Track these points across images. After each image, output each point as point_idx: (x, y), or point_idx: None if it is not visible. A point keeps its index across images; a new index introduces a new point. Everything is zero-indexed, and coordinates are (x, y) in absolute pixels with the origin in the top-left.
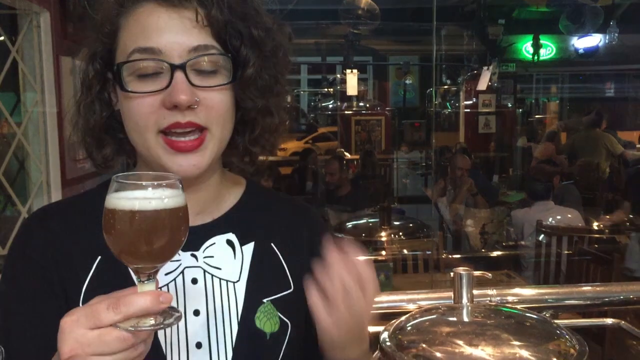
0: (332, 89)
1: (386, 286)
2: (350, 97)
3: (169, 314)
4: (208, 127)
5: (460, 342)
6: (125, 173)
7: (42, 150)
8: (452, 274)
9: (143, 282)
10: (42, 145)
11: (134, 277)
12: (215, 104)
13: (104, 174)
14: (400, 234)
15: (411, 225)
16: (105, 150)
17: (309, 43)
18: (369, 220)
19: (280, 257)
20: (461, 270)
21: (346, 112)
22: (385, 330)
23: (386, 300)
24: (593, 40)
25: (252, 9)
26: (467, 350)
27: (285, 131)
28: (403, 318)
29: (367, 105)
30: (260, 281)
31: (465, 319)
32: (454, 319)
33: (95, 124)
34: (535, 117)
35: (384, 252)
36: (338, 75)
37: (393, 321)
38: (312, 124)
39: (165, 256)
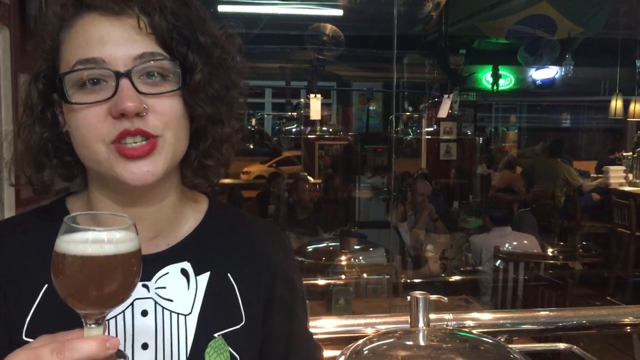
0: (295, 113)
1: (346, 310)
2: (314, 121)
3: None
4: (160, 135)
5: None
6: (77, 213)
7: None
8: (408, 297)
9: (90, 326)
10: None
11: (82, 321)
12: (165, 110)
13: (41, 199)
14: (360, 258)
15: (371, 249)
16: (43, 174)
17: (274, 67)
18: (329, 244)
19: (235, 287)
20: (418, 294)
21: (310, 136)
22: (342, 354)
23: (343, 324)
24: (550, 72)
25: (197, 16)
26: None
27: (239, 142)
28: (360, 342)
29: (331, 130)
30: (213, 314)
31: (422, 342)
32: (411, 342)
33: (34, 146)
34: (495, 146)
35: (343, 276)
36: (302, 100)
37: (350, 345)
38: (276, 148)
39: (115, 302)
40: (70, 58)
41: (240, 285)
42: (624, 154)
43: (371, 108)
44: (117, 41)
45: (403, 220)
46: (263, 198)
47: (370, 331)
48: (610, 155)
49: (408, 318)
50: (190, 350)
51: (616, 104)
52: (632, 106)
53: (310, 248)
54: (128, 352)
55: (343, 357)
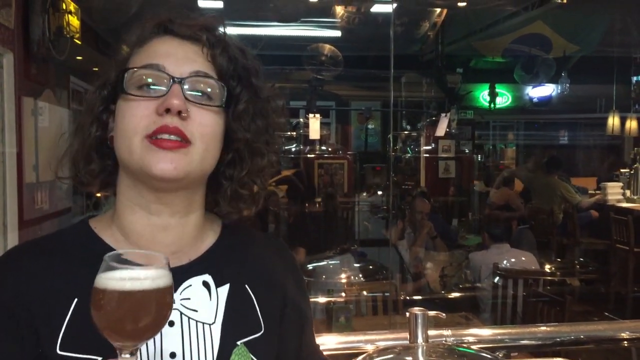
0: (295, 133)
1: (346, 328)
2: (313, 140)
3: None
4: (192, 142)
5: None
6: (115, 252)
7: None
8: (407, 314)
9: (125, 357)
10: (0, 186)
11: (117, 352)
12: (203, 121)
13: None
14: (360, 276)
15: (371, 267)
16: (91, 166)
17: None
18: (330, 262)
19: (254, 298)
20: (416, 310)
21: (309, 155)
22: None
23: (344, 341)
24: (546, 90)
25: (255, 68)
26: None
27: (271, 174)
28: (360, 358)
29: (330, 149)
30: (235, 323)
31: (421, 358)
32: (410, 358)
33: (89, 143)
34: (493, 163)
35: (343, 294)
36: (301, 119)
37: None
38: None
39: (149, 335)
40: (136, 63)
41: (257, 296)
42: (622, 170)
43: (370, 127)
44: (179, 57)
45: (401, 237)
46: (261, 216)
47: (370, 347)
48: (607, 172)
49: (407, 334)
50: (217, 358)
51: (613, 121)
52: (628, 123)
53: (310, 266)
54: None
55: None
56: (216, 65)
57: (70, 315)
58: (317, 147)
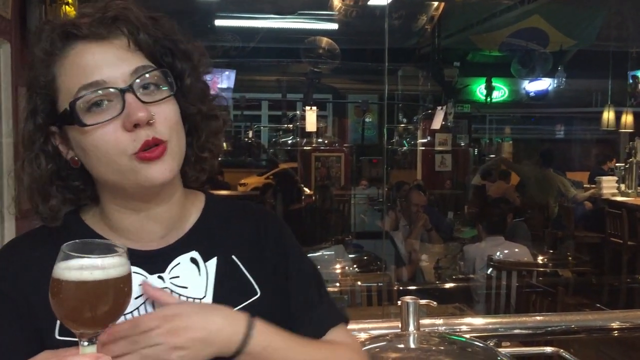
0: (292, 125)
1: None
2: (310, 133)
3: None
4: (168, 139)
5: None
6: (73, 242)
7: None
8: (399, 302)
9: (84, 344)
10: None
11: (78, 340)
12: (168, 115)
13: (50, 225)
14: (355, 266)
15: (365, 258)
16: (51, 202)
17: (270, 80)
18: (324, 253)
19: (242, 267)
20: (408, 298)
21: (306, 148)
22: None
23: None
24: (543, 84)
25: (170, 28)
26: None
27: (224, 130)
28: None
29: (326, 141)
30: (226, 294)
31: (412, 345)
32: (402, 345)
33: (41, 178)
34: (489, 157)
35: (338, 284)
36: (298, 112)
37: None
38: (272, 160)
39: (107, 322)
40: (72, 87)
41: (245, 263)
42: (617, 164)
43: (367, 120)
44: (111, 62)
45: (396, 228)
46: None
47: (363, 336)
48: (602, 166)
49: (399, 323)
50: None
51: (608, 115)
52: (623, 117)
53: None
54: None
55: None
56: (145, 52)
57: None
58: (314, 139)
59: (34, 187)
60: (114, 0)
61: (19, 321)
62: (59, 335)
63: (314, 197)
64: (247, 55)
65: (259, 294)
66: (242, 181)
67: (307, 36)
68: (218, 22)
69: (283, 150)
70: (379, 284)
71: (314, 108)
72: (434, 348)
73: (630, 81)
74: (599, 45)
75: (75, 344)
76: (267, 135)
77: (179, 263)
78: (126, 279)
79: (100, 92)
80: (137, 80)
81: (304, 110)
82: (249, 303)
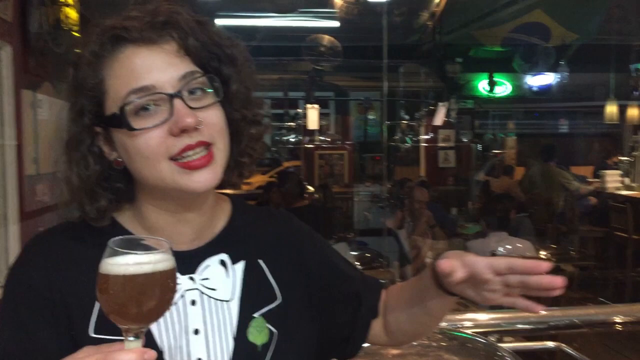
0: (294, 123)
1: None
2: (312, 131)
3: None
4: (214, 143)
5: None
6: (119, 237)
7: (0, 182)
8: None
9: (130, 339)
10: (0, 178)
11: (123, 335)
12: (214, 120)
13: (96, 225)
14: (357, 264)
15: (368, 255)
16: (99, 203)
17: (272, 78)
18: None
19: (267, 272)
20: None
21: (308, 145)
22: None
23: None
24: (546, 79)
25: (216, 32)
26: None
27: (266, 137)
28: None
29: (329, 139)
30: (251, 298)
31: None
32: None
33: (89, 178)
34: (493, 152)
35: None
36: (300, 110)
37: None
38: (276, 159)
39: (153, 318)
40: (121, 90)
41: (270, 268)
42: (620, 158)
43: (370, 117)
44: (160, 67)
45: (401, 226)
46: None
47: None
48: (606, 160)
49: None
50: (236, 332)
51: (612, 109)
52: (627, 111)
53: None
54: (183, 338)
55: None
56: (193, 57)
57: None
58: (317, 137)
59: (82, 187)
60: (164, 4)
61: (52, 319)
62: (94, 333)
63: (317, 195)
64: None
65: (279, 300)
66: (246, 180)
67: (308, 34)
68: (218, 22)
69: (286, 149)
70: (382, 281)
71: (316, 106)
72: (434, 344)
73: (634, 74)
74: (601, 39)
75: (110, 342)
76: (271, 133)
77: (209, 265)
78: (172, 274)
79: (150, 96)
80: (185, 86)
81: (306, 108)
82: (268, 310)
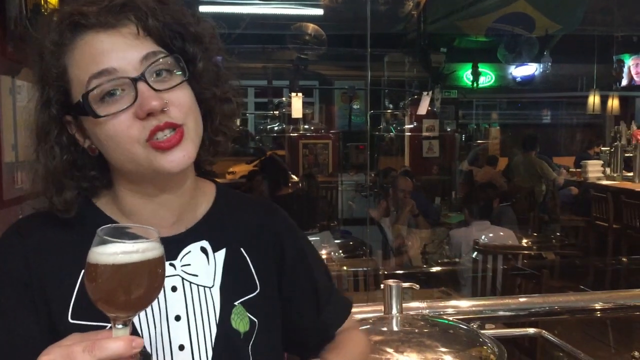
0: (278, 112)
1: None
2: (297, 120)
3: (138, 358)
4: (184, 124)
5: (389, 350)
6: (108, 226)
7: None
8: (382, 285)
9: (118, 327)
10: None
11: (111, 323)
12: (182, 101)
13: (63, 216)
14: (340, 252)
15: (351, 243)
16: (65, 195)
17: (256, 67)
18: (310, 239)
19: (249, 260)
20: (391, 282)
21: (293, 134)
22: None
23: None
24: (529, 69)
25: (179, 11)
26: (395, 356)
27: (239, 114)
28: None
29: (313, 128)
30: (232, 285)
31: (395, 328)
32: (384, 328)
33: (56, 169)
34: (476, 142)
35: None
36: (284, 99)
37: None
38: (260, 148)
39: (141, 306)
40: (82, 77)
41: (252, 257)
42: (602, 148)
43: (355, 106)
44: (120, 49)
45: (386, 215)
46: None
47: None
48: (588, 150)
49: (382, 307)
50: (219, 318)
51: (594, 99)
52: (609, 101)
53: None
54: (164, 325)
55: None
56: (155, 37)
57: (79, 286)
58: (301, 126)
59: (48, 178)
60: None
61: (31, 305)
62: (72, 318)
63: (301, 184)
64: (233, 42)
65: (258, 290)
66: (231, 169)
67: (292, 22)
68: (202, 9)
69: (270, 138)
70: (365, 269)
71: (300, 94)
72: (416, 330)
73: (615, 65)
74: (584, 29)
75: (89, 328)
76: (254, 122)
77: (190, 251)
78: (160, 262)
79: (112, 81)
80: (149, 68)
81: (290, 97)
82: (248, 298)
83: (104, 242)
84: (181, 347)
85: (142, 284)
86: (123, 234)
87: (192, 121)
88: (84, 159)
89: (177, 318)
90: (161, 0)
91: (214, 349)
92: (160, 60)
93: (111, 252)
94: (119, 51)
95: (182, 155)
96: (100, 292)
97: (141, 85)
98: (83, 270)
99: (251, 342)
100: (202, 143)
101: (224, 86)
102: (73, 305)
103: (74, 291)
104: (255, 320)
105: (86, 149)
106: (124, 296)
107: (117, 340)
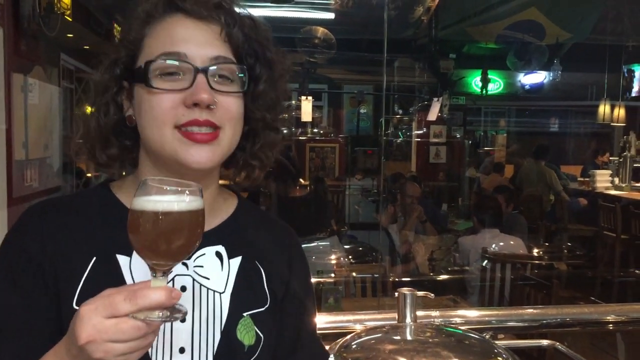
0: (287, 115)
1: (335, 309)
2: (305, 123)
3: (176, 309)
4: (222, 127)
5: (403, 359)
6: (152, 177)
7: None
8: (396, 294)
9: (157, 277)
10: None
11: (150, 272)
12: (230, 107)
13: (103, 173)
14: (350, 257)
15: (360, 249)
16: (110, 150)
17: None
18: (320, 244)
19: (263, 274)
20: (405, 290)
21: (301, 138)
22: (331, 348)
23: (333, 320)
24: (538, 77)
25: (267, 37)
26: None
27: (280, 146)
28: (348, 337)
29: (322, 132)
30: (243, 295)
31: (409, 337)
32: (398, 337)
33: (106, 125)
34: (484, 149)
35: (333, 275)
36: (293, 102)
37: (339, 340)
38: None
39: (182, 255)
40: (155, 50)
41: (266, 271)
42: (611, 158)
43: (362, 111)
44: (198, 42)
45: (393, 222)
46: (253, 197)
47: (358, 327)
48: (596, 160)
49: (396, 315)
50: (224, 326)
51: (604, 109)
52: (616, 111)
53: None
54: (167, 325)
55: (332, 351)
56: (233, 45)
57: (88, 273)
58: (309, 129)
59: (99, 132)
60: None
61: (43, 285)
62: (77, 305)
63: (308, 188)
64: None
65: (268, 304)
66: None
67: (303, 25)
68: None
69: None
70: (374, 275)
71: (310, 98)
72: (430, 340)
73: (625, 75)
74: (595, 38)
75: None
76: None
77: (205, 254)
78: (201, 213)
79: (177, 63)
80: (214, 67)
81: (299, 100)
82: (258, 312)
83: (149, 191)
84: (182, 350)
85: (184, 233)
86: (167, 185)
87: (230, 129)
88: (123, 127)
89: (182, 320)
90: (253, 18)
91: (215, 357)
92: (228, 65)
93: (155, 200)
94: (197, 42)
95: (207, 156)
96: (143, 240)
97: (200, 77)
98: (94, 258)
99: (254, 358)
100: (237, 162)
101: (276, 115)
102: (79, 291)
103: (82, 278)
104: (262, 335)
105: (126, 117)
106: (165, 244)
107: (157, 290)
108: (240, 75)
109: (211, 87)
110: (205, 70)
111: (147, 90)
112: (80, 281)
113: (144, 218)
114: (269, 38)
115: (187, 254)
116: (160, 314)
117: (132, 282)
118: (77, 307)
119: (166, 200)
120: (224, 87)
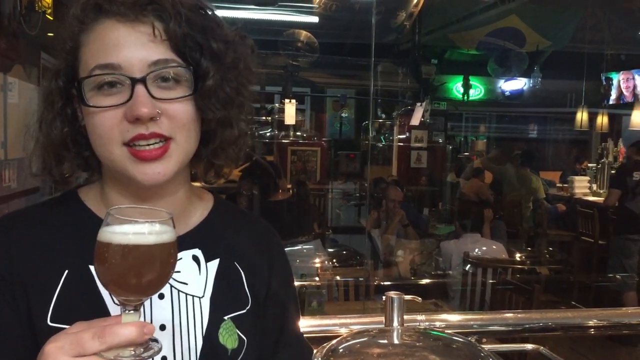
0: (270, 118)
1: (318, 312)
2: (288, 126)
3: (149, 346)
4: (172, 137)
5: None
6: (119, 207)
7: None
8: (384, 297)
9: (128, 312)
10: None
11: (120, 307)
12: (177, 114)
13: (62, 190)
14: (334, 261)
15: (344, 252)
16: (63, 166)
17: None
18: (304, 247)
19: (242, 275)
20: (393, 294)
21: (283, 141)
22: (317, 352)
23: (318, 324)
24: (518, 84)
25: (212, 22)
26: None
27: (247, 143)
28: (334, 341)
29: (304, 135)
30: (223, 298)
31: (396, 341)
32: (385, 341)
33: (55, 140)
34: (464, 154)
35: (317, 279)
36: (276, 105)
37: (325, 344)
38: (249, 153)
39: (153, 290)
40: (89, 62)
41: (245, 272)
42: (589, 164)
43: (344, 115)
44: (132, 47)
45: (376, 226)
46: (233, 200)
47: (344, 331)
48: (575, 166)
49: (382, 319)
50: (206, 331)
51: (582, 116)
52: (598, 119)
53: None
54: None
55: (319, 355)
56: (173, 43)
57: (61, 287)
58: (292, 133)
59: (48, 147)
60: None
61: (13, 303)
62: (51, 321)
63: (290, 191)
64: None
65: (249, 306)
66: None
67: (286, 28)
68: None
69: (260, 144)
70: (359, 279)
71: (293, 101)
72: (417, 344)
73: (604, 83)
74: (574, 46)
75: None
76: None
77: (181, 258)
78: (174, 245)
79: (112, 77)
80: (154, 73)
81: (283, 103)
82: (239, 314)
83: (116, 222)
84: (163, 359)
85: (154, 267)
86: (135, 215)
87: (182, 137)
88: (80, 137)
89: (162, 327)
90: (201, 7)
91: None
92: (170, 69)
93: (123, 232)
94: (130, 48)
95: (159, 172)
96: (111, 274)
97: (139, 88)
98: (66, 271)
99: None
100: (201, 161)
101: (231, 111)
102: (53, 307)
103: (55, 293)
104: (245, 338)
105: (82, 127)
106: (135, 279)
107: (127, 326)
108: (184, 74)
109: (153, 97)
110: (143, 80)
111: (87, 109)
112: (53, 297)
113: (111, 252)
114: (217, 23)
115: (158, 288)
116: (133, 351)
117: (108, 294)
118: (51, 324)
119: (135, 232)
120: (168, 94)
